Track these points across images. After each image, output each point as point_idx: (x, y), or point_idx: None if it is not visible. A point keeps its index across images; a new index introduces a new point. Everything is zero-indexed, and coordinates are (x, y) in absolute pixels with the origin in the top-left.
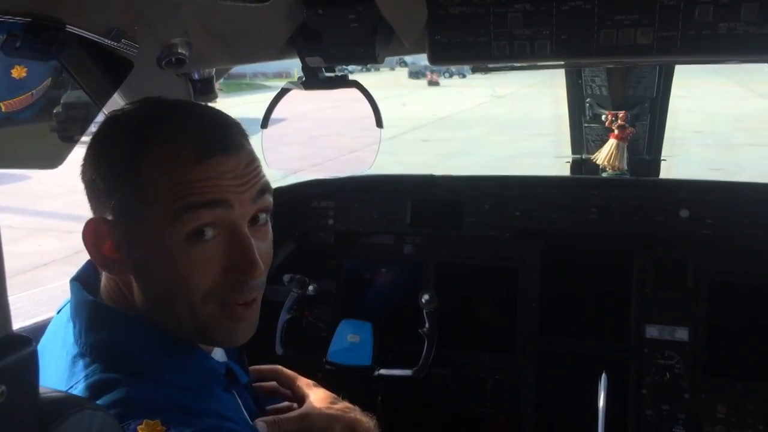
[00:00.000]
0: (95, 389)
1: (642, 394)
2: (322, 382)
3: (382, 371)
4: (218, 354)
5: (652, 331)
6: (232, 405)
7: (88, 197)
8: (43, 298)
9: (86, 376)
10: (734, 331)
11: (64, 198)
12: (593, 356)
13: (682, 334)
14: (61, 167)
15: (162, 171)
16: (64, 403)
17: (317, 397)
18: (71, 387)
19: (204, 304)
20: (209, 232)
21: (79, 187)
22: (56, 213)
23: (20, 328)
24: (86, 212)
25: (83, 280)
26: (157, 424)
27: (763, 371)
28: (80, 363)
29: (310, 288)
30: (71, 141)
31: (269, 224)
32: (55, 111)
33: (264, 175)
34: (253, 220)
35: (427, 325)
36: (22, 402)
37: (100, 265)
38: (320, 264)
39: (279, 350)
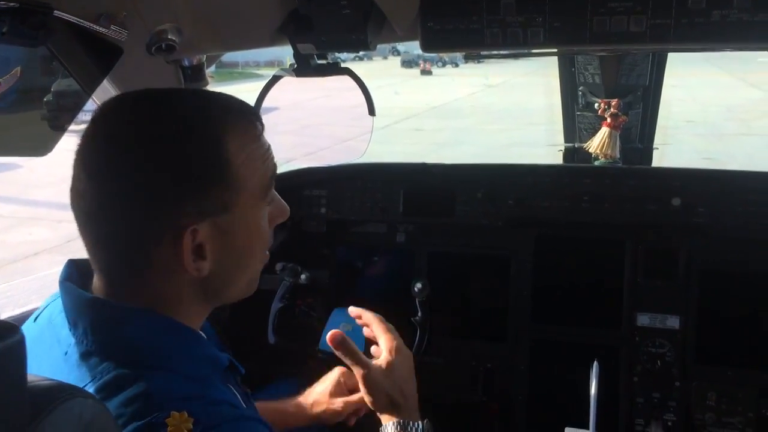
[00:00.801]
0: (112, 387)
1: (633, 381)
2: (315, 370)
3: (375, 360)
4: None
5: (643, 319)
6: (231, 396)
7: (124, 210)
8: (34, 287)
9: (98, 375)
10: (725, 320)
11: (55, 187)
12: (585, 344)
13: (673, 322)
14: (51, 156)
15: (244, 155)
16: (54, 392)
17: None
18: (85, 385)
19: (261, 259)
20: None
21: (70, 176)
22: (47, 202)
23: (10, 317)
24: None
25: (73, 281)
26: (183, 414)
27: (753, 359)
28: (89, 363)
29: (303, 277)
30: (61, 129)
31: None
32: (45, 99)
33: None
34: None
35: (419, 314)
36: (9, 391)
37: (193, 273)
38: (312, 253)
39: (271, 339)
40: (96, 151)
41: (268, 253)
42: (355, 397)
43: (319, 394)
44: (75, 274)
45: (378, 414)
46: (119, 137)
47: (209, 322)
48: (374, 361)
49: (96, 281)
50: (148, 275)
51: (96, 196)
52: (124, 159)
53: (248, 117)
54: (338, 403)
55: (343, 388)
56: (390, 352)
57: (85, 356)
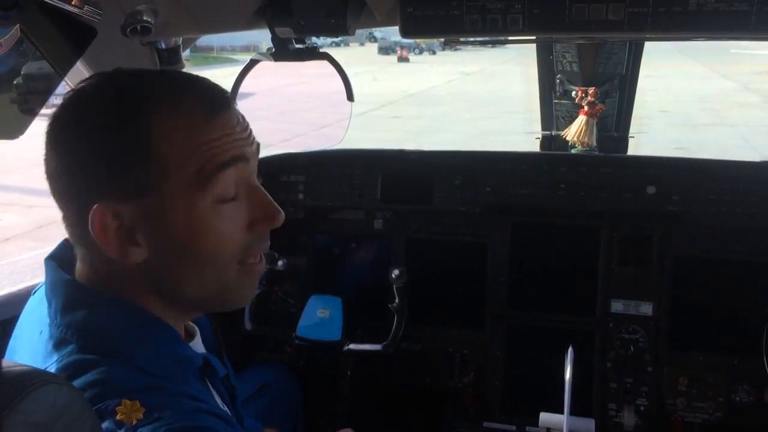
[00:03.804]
0: (71, 369)
1: (607, 367)
2: (292, 356)
3: (352, 346)
4: (198, 345)
5: (617, 306)
6: (204, 394)
7: (64, 188)
8: (5, 273)
9: (61, 357)
10: (697, 306)
11: (25, 172)
12: (560, 330)
13: (646, 308)
14: (21, 140)
15: (177, 137)
16: (28, 377)
17: None
18: (46, 368)
19: (231, 266)
20: (232, 191)
21: (40, 160)
22: (17, 187)
23: None
24: (48, 186)
25: (59, 260)
26: (135, 404)
27: (723, 345)
28: (56, 343)
29: (280, 263)
30: (31, 113)
31: None
32: (14, 82)
33: None
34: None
35: (396, 300)
36: None
37: (116, 255)
38: (290, 239)
39: (248, 325)
40: (51, 126)
41: (261, 265)
42: None
43: None
44: (66, 253)
45: None
46: (64, 117)
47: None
48: None
49: (77, 262)
50: (92, 256)
51: (50, 174)
52: (63, 138)
53: (195, 97)
54: None
55: None
56: None
57: (53, 337)
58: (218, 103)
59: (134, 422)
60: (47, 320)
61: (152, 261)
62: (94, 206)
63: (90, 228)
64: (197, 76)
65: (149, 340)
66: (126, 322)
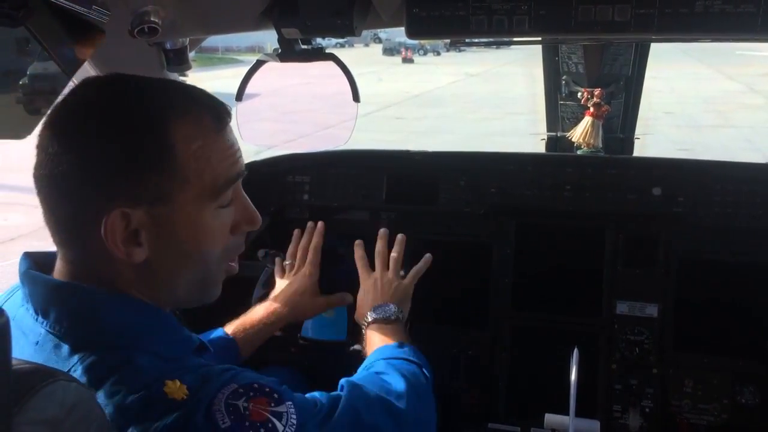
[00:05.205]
0: (99, 368)
1: (612, 368)
2: (297, 357)
3: (357, 346)
4: None
5: (622, 307)
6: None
7: (72, 189)
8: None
9: (83, 358)
10: (702, 308)
11: (30, 171)
12: (565, 331)
13: (651, 310)
14: (26, 140)
15: (193, 148)
16: (37, 375)
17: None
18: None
19: (218, 265)
20: (230, 198)
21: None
22: (22, 187)
23: None
24: None
25: (38, 267)
26: (176, 383)
27: (728, 346)
28: (64, 350)
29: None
30: (38, 113)
31: None
32: (20, 82)
33: None
34: None
35: None
36: None
37: (121, 256)
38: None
39: None
40: (59, 126)
41: (235, 264)
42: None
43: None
44: (33, 266)
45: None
46: (79, 115)
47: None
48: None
49: (58, 265)
50: (93, 255)
51: (56, 175)
52: (77, 136)
53: (207, 109)
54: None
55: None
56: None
57: (60, 344)
58: (224, 115)
59: (183, 397)
60: (39, 330)
61: (152, 260)
62: (112, 211)
63: (101, 230)
64: (199, 88)
65: (159, 328)
66: (135, 314)
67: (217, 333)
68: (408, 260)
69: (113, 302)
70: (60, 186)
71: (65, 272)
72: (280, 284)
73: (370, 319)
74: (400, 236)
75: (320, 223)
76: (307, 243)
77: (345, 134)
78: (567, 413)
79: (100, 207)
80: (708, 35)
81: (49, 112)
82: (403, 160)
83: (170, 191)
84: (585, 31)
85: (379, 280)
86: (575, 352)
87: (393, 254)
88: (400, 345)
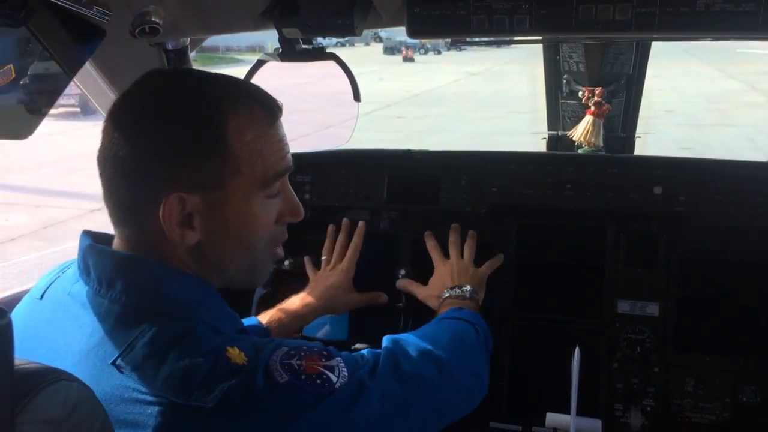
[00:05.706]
0: (163, 339)
1: (613, 367)
2: None
3: (358, 345)
4: None
5: (623, 306)
6: None
7: (132, 173)
8: (14, 272)
9: (146, 328)
10: (703, 307)
11: (31, 172)
12: (566, 331)
13: (653, 309)
14: (27, 140)
15: (247, 138)
16: (39, 375)
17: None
18: (130, 343)
19: (264, 251)
20: (277, 190)
21: (47, 160)
22: (23, 187)
23: None
24: (54, 186)
25: (98, 240)
26: (235, 349)
27: (730, 345)
28: (131, 318)
29: (286, 263)
30: (40, 113)
31: None
32: (22, 82)
33: None
34: None
35: (403, 300)
36: None
37: (177, 238)
38: (296, 239)
39: None
40: (124, 113)
41: (280, 250)
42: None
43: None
44: (94, 242)
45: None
46: (144, 104)
47: None
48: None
49: (116, 243)
50: (151, 235)
51: (117, 158)
52: (140, 124)
53: (260, 103)
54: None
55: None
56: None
57: (125, 314)
58: (275, 109)
59: (243, 362)
60: (102, 301)
61: (203, 243)
62: (171, 195)
63: (159, 212)
64: (253, 83)
65: (213, 304)
66: (194, 289)
67: (250, 321)
68: (410, 260)
69: (174, 276)
70: (122, 169)
71: (125, 248)
72: (316, 279)
73: (446, 295)
74: (471, 232)
75: (361, 223)
76: (344, 240)
77: (346, 133)
78: (568, 412)
79: (159, 191)
80: (709, 34)
81: (115, 101)
82: (404, 160)
83: (224, 179)
84: (586, 30)
85: (455, 265)
86: (577, 351)
87: (467, 245)
88: (459, 309)
